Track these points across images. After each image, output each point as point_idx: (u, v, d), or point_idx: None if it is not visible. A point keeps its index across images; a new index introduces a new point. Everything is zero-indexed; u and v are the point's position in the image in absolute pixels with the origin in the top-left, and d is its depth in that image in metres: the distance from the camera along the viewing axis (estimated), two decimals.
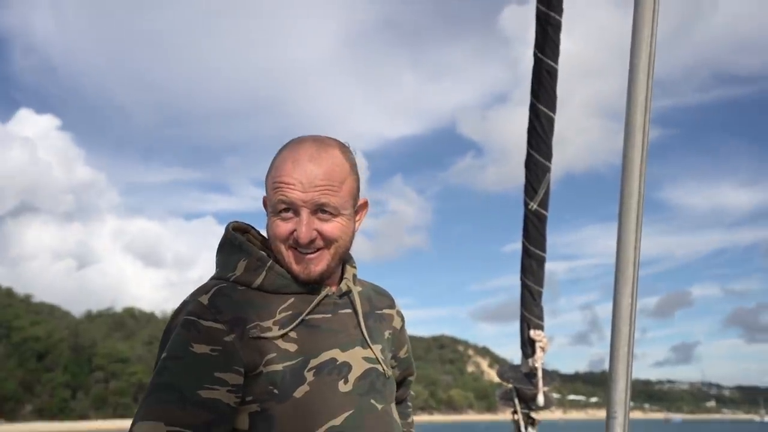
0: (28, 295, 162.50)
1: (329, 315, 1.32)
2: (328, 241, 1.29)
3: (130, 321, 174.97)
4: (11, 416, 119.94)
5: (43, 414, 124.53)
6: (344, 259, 1.39)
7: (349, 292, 1.38)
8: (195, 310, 1.24)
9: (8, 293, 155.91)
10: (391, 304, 1.53)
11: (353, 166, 1.34)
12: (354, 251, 1.42)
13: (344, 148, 1.34)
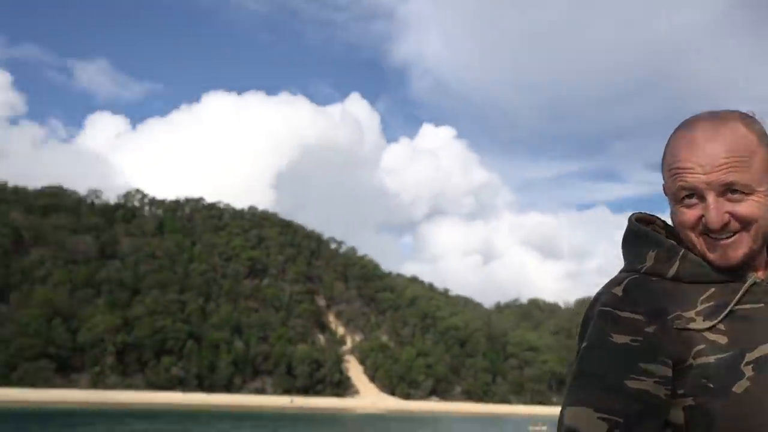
0: (446, 289, 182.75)
1: (761, 305, 1.14)
2: (745, 223, 1.12)
3: (535, 311, 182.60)
4: (444, 395, 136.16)
5: (470, 395, 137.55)
6: None
7: None
8: (609, 301, 1.16)
9: (430, 288, 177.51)
10: None
11: (762, 137, 1.15)
12: None
13: (747, 119, 1.16)
